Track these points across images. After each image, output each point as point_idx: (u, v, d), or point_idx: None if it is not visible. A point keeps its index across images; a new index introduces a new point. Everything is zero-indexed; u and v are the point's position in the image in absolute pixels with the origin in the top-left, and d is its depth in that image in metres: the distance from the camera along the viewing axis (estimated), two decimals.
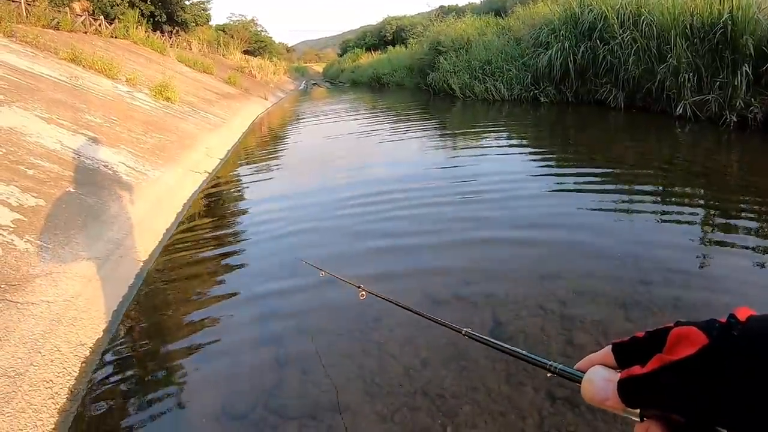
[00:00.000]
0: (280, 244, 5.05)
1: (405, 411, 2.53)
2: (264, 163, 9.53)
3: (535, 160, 7.97)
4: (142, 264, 4.53)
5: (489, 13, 23.63)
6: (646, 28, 11.08)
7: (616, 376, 0.48)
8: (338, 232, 5.27)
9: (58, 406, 2.65)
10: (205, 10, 36.87)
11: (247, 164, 9.52)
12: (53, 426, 2.54)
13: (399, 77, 29.70)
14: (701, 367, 0.40)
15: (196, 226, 5.86)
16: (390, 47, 42.95)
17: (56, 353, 2.97)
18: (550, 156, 8.33)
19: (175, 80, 14.11)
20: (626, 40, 11.58)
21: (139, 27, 24.12)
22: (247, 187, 7.68)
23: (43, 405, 2.60)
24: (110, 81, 12.10)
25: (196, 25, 36.32)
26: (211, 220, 6.10)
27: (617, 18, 12.13)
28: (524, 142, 9.77)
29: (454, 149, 9.52)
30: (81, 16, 20.52)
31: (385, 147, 10.02)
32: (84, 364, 3.03)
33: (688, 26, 9.91)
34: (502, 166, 7.55)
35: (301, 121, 17.58)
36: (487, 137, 10.28)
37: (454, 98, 18.44)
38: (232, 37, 48.11)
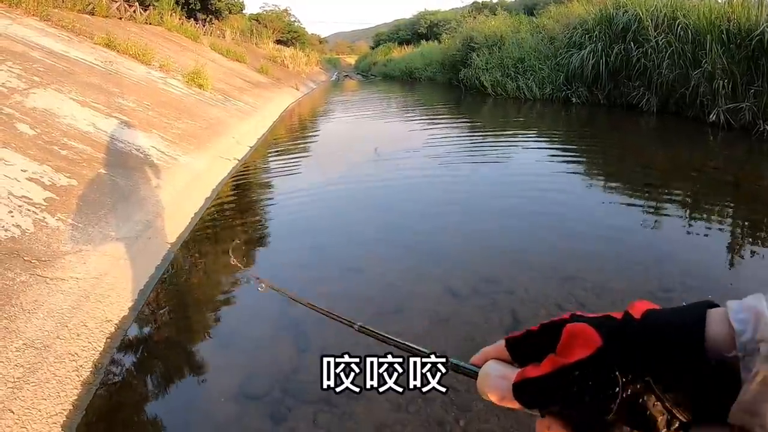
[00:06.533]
0: (308, 233, 5.12)
1: (419, 402, 2.55)
2: (293, 152, 9.61)
3: (563, 162, 7.91)
4: (169, 246, 4.62)
5: (520, 11, 23.46)
6: (682, 32, 10.90)
7: (512, 372, 0.47)
8: (360, 224, 5.33)
9: (81, 379, 2.73)
10: None
11: (277, 153, 9.59)
12: (76, 397, 2.62)
13: (431, 72, 29.61)
14: (594, 370, 0.40)
15: (225, 211, 5.94)
16: (423, 42, 42.72)
17: (82, 328, 3.06)
18: (579, 158, 8.26)
19: (208, 68, 14.23)
20: (660, 43, 11.40)
21: (174, 14, 24.38)
22: (276, 176, 7.73)
23: (67, 377, 2.69)
24: (144, 66, 12.27)
25: (230, 13, 36.55)
26: (239, 206, 6.17)
27: (652, 21, 11.94)
28: (554, 142, 9.69)
29: (483, 148, 9.48)
30: (116, 2, 20.76)
31: (413, 140, 9.97)
32: (109, 340, 3.11)
33: (724, 32, 9.70)
34: (529, 166, 7.51)
35: (332, 112, 17.65)
36: (516, 136, 10.24)
37: (486, 95, 18.29)
38: (265, 26, 48.43)
